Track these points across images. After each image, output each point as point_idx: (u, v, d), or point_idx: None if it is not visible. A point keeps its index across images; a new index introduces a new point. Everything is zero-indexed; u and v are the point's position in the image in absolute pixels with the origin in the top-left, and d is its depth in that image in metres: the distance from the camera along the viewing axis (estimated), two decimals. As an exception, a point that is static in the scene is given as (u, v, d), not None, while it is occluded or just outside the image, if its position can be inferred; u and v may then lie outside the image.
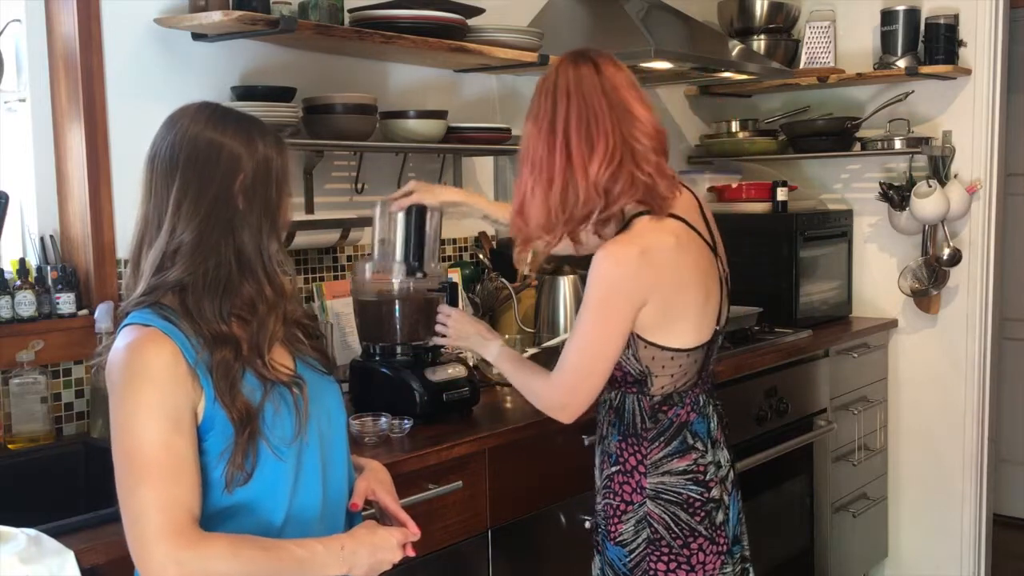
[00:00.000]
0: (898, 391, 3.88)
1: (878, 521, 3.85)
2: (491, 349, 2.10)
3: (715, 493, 1.91)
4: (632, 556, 1.90)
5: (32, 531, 1.51)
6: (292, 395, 1.47)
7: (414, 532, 1.55)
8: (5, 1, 2.25)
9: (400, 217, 2.26)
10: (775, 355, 3.17)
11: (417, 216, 2.25)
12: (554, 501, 2.38)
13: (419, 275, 2.27)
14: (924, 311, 3.76)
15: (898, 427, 3.88)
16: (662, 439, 1.90)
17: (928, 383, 3.81)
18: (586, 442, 2.41)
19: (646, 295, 1.81)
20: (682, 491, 1.89)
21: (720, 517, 1.92)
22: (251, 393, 1.43)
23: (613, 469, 1.94)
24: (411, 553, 1.53)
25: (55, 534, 1.53)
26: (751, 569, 2.04)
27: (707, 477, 1.90)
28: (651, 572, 1.89)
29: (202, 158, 1.44)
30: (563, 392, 1.90)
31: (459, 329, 2.15)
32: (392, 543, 1.50)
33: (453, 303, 2.27)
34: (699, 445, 1.91)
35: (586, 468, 2.42)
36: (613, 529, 1.93)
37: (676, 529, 1.89)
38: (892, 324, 3.85)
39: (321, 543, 1.43)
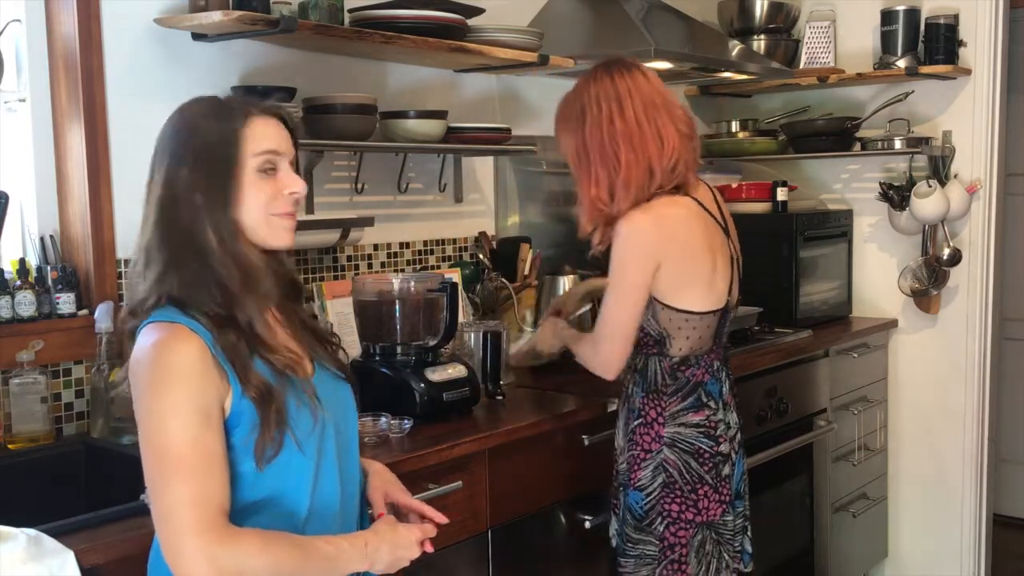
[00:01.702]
0: (898, 391, 3.88)
1: (878, 521, 3.85)
2: (560, 332, 2.41)
3: (723, 448, 2.15)
4: (649, 499, 2.12)
5: (32, 531, 1.51)
6: (300, 384, 1.48)
7: (432, 529, 1.58)
8: (5, 1, 2.24)
9: (474, 339, 2.52)
10: (775, 355, 3.17)
11: (493, 341, 2.46)
12: (554, 501, 2.38)
13: (499, 397, 2.47)
14: (924, 311, 3.76)
15: (898, 427, 3.89)
16: (679, 394, 2.14)
17: (928, 383, 3.81)
18: (586, 442, 2.41)
19: (659, 256, 2.07)
20: (694, 442, 2.12)
21: (726, 470, 2.15)
22: (265, 376, 1.44)
23: (636, 422, 2.16)
24: (429, 549, 1.55)
25: (55, 534, 1.53)
26: (750, 528, 2.27)
27: (717, 433, 2.14)
28: (664, 512, 2.11)
29: (159, 149, 1.46)
30: (602, 354, 2.15)
31: (543, 341, 2.48)
32: (411, 540, 1.52)
33: (453, 303, 2.30)
34: (712, 404, 2.15)
35: (586, 468, 2.43)
36: (634, 476, 2.14)
37: (687, 475, 2.11)
38: (892, 324, 3.85)
39: (347, 540, 1.45)
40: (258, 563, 1.34)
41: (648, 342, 2.16)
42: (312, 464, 1.48)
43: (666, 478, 2.11)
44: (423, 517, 1.64)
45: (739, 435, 2.23)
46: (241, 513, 1.41)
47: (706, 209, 2.16)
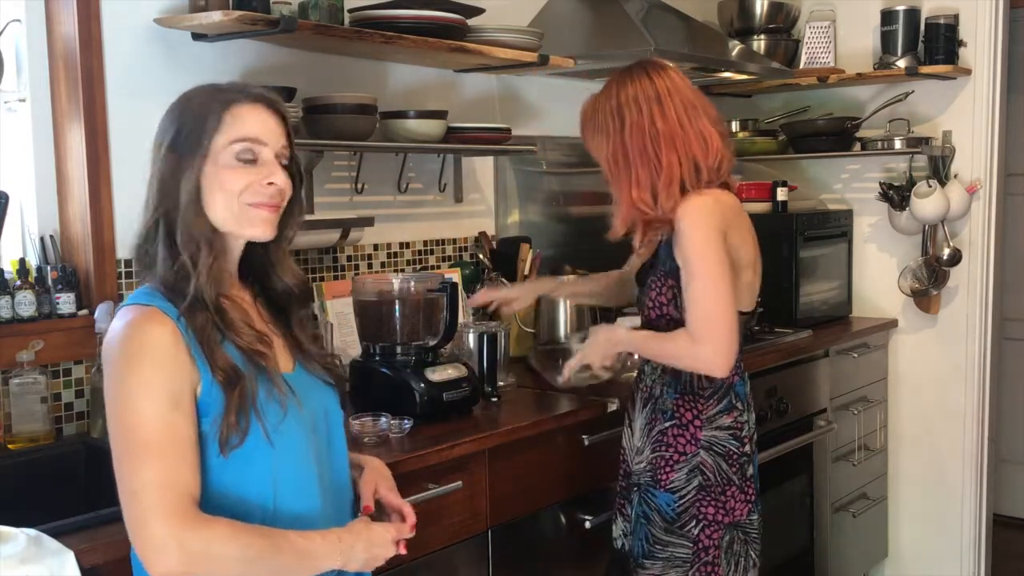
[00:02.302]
0: (898, 391, 3.88)
1: (878, 521, 3.85)
2: (620, 334, 2.20)
3: (748, 448, 2.14)
4: (683, 501, 2.09)
5: (32, 531, 1.51)
6: (271, 373, 1.47)
7: (410, 529, 1.56)
8: (5, 1, 2.24)
9: (471, 339, 2.45)
10: (775, 355, 3.17)
11: (489, 342, 2.41)
12: (554, 501, 2.38)
13: (493, 400, 2.43)
14: (924, 311, 3.76)
15: (898, 427, 3.89)
16: (716, 396, 2.11)
17: (928, 383, 3.81)
18: (586, 442, 2.41)
19: (725, 228, 2.02)
20: (726, 444, 2.11)
21: (750, 471, 2.15)
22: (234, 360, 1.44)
23: (667, 424, 2.12)
24: (402, 551, 1.53)
25: (55, 534, 1.53)
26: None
27: (743, 433, 2.13)
28: (700, 515, 2.08)
29: (158, 132, 1.49)
30: (710, 347, 1.99)
31: (594, 349, 2.21)
32: (387, 539, 1.50)
33: (453, 303, 2.28)
34: (739, 405, 2.14)
35: (586, 468, 2.43)
36: (664, 477, 2.10)
37: (718, 477, 2.09)
38: (892, 324, 3.85)
39: (320, 535, 1.44)
40: (227, 550, 1.33)
41: None
42: (280, 459, 1.46)
43: (702, 480, 2.08)
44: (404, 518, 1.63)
45: (755, 435, 2.22)
46: (207, 501, 1.39)
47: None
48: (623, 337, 2.19)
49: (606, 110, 2.10)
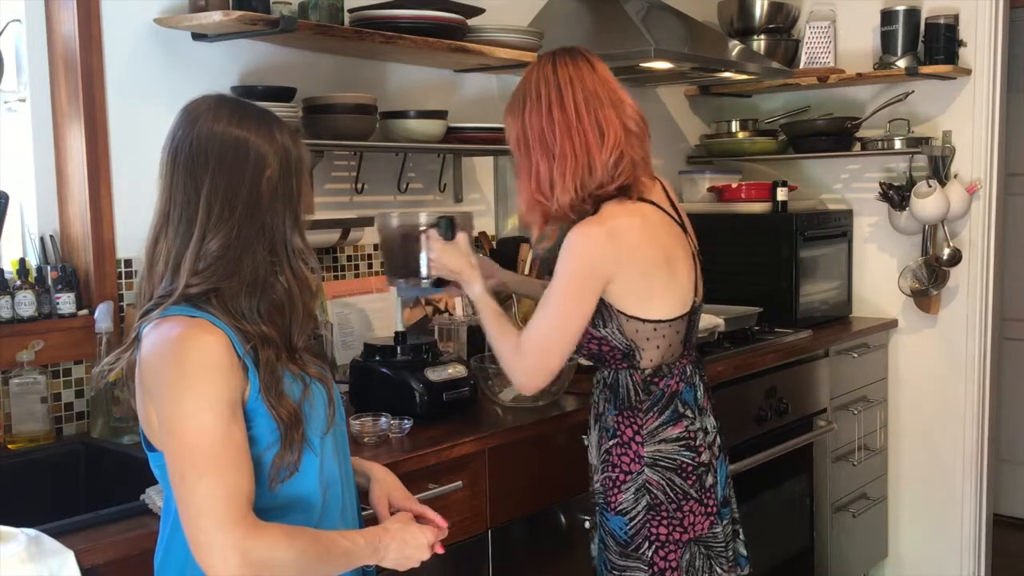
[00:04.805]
0: (898, 391, 3.88)
1: (878, 521, 3.85)
2: (473, 289, 2.09)
3: (704, 458, 2.02)
4: (633, 523, 1.99)
5: (32, 531, 1.51)
6: (325, 387, 1.51)
7: (443, 531, 1.59)
8: (5, 1, 2.24)
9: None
10: (775, 355, 3.17)
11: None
12: (554, 501, 2.38)
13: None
14: (924, 311, 3.76)
15: (898, 427, 3.88)
16: (655, 409, 2.01)
17: (928, 383, 3.81)
18: (586, 442, 2.41)
19: (612, 271, 1.93)
20: (676, 457, 2.00)
21: (709, 480, 2.03)
22: (289, 390, 1.44)
23: (611, 443, 2.03)
24: (440, 550, 1.56)
25: (55, 534, 1.53)
26: (741, 531, 2.16)
27: (697, 443, 2.02)
28: (652, 536, 1.99)
29: (230, 157, 1.43)
30: (527, 365, 1.98)
31: (443, 258, 2.10)
32: (422, 542, 1.53)
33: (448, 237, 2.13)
34: (688, 413, 2.02)
35: (586, 468, 2.42)
36: (613, 500, 2.01)
37: (671, 493, 1.99)
38: (892, 324, 3.85)
39: (362, 536, 1.48)
40: (286, 555, 1.35)
41: (616, 356, 2.01)
42: (319, 460, 1.49)
43: (650, 500, 1.98)
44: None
45: (718, 438, 2.09)
46: (262, 513, 1.41)
47: (661, 209, 2.03)
48: (475, 297, 2.08)
49: (515, 94, 2.03)
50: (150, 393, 1.39)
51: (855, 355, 3.61)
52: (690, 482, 2.00)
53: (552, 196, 1.96)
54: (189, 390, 1.35)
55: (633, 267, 1.94)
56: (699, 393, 2.06)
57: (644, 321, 1.97)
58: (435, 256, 2.11)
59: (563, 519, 2.41)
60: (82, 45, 2.21)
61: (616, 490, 2.01)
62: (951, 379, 3.76)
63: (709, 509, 2.02)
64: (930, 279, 3.70)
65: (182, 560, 1.40)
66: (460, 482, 2.12)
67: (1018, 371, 4.66)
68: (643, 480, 1.99)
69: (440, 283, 2.16)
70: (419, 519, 1.62)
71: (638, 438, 2.00)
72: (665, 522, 1.98)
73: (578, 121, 1.95)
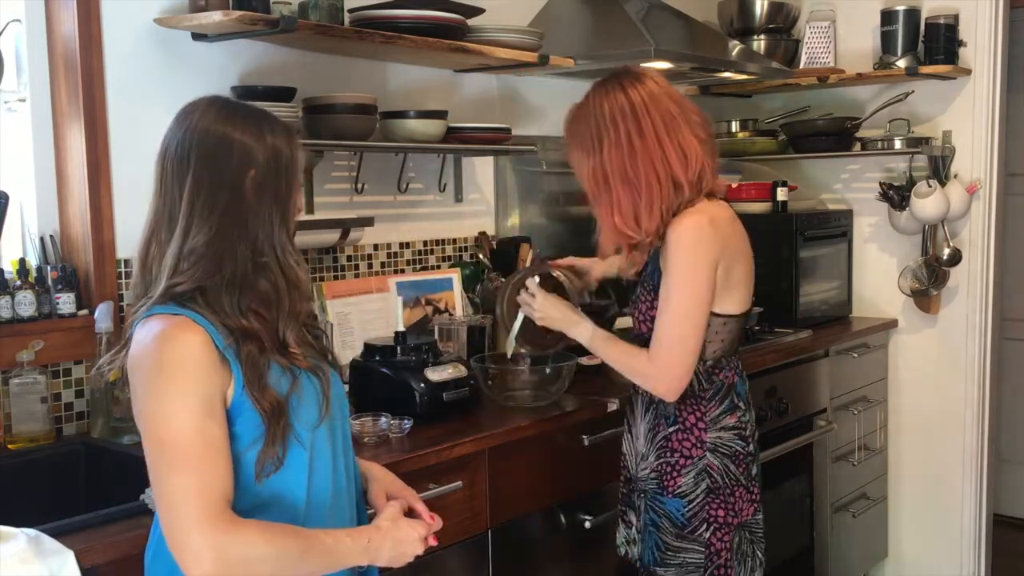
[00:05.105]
0: (898, 391, 3.88)
1: (878, 521, 3.85)
2: (583, 330, 2.16)
3: (752, 448, 2.13)
4: (691, 505, 2.06)
5: (32, 531, 1.51)
6: (318, 379, 1.50)
7: (437, 523, 1.59)
8: (5, 1, 2.24)
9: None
10: (775, 355, 3.17)
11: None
12: (554, 501, 2.38)
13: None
14: (924, 311, 3.76)
15: (898, 427, 3.88)
16: (717, 398, 2.09)
17: (928, 383, 3.81)
18: (586, 442, 2.41)
19: (718, 257, 1.99)
20: (731, 445, 2.08)
21: (755, 470, 2.14)
22: (276, 382, 1.44)
23: (671, 429, 2.08)
24: (434, 543, 1.57)
25: (55, 534, 1.54)
26: None
27: (747, 433, 2.12)
28: (711, 518, 2.06)
29: (212, 153, 1.44)
30: (663, 367, 2.01)
31: (546, 310, 2.20)
32: (415, 537, 1.52)
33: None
34: (741, 404, 2.12)
35: (586, 468, 2.43)
36: (671, 483, 2.07)
37: (727, 479, 2.07)
38: (892, 324, 3.85)
39: (348, 535, 1.46)
40: (262, 552, 1.35)
41: None
42: (308, 455, 1.48)
43: (710, 483, 2.05)
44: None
45: (757, 434, 2.20)
46: (246, 511, 1.41)
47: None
48: (587, 339, 2.16)
49: (585, 127, 2.03)
50: (132, 391, 1.40)
51: (855, 355, 3.61)
52: (741, 469, 2.08)
53: (640, 228, 2.00)
54: (164, 386, 1.36)
55: (726, 256, 2.01)
56: (747, 388, 2.17)
57: (717, 315, 2.04)
58: (540, 316, 2.20)
59: (563, 519, 2.41)
60: (82, 45, 2.21)
61: (675, 473, 2.07)
62: (951, 379, 3.76)
63: (754, 496, 2.12)
64: (930, 279, 3.70)
65: (171, 557, 1.40)
66: (460, 482, 2.12)
67: (1018, 371, 4.66)
68: (704, 464, 2.06)
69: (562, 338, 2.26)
70: (410, 513, 1.61)
71: (701, 424, 2.07)
72: (723, 505, 2.06)
73: (660, 148, 1.98)
